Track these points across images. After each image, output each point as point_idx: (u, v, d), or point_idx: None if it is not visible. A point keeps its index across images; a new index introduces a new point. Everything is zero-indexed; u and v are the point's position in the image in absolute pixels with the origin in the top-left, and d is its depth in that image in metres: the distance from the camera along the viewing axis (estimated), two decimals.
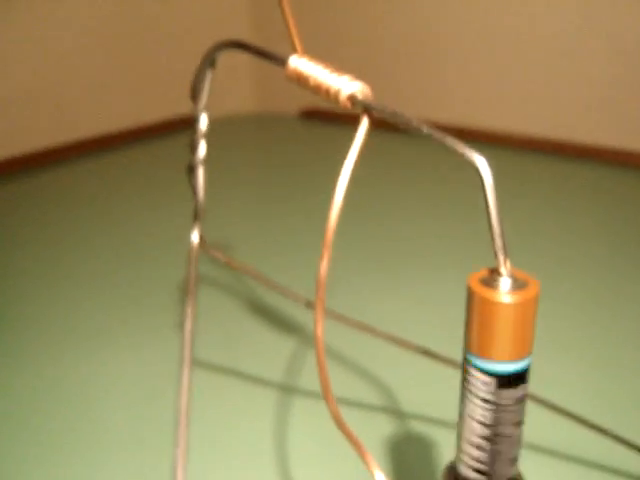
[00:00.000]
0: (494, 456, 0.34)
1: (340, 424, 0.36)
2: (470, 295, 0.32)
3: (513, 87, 1.69)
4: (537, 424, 0.70)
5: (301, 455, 0.67)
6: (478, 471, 0.35)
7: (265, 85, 2.15)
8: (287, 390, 0.78)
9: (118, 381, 0.80)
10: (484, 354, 0.32)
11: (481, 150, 0.29)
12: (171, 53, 1.90)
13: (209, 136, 1.88)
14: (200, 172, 0.44)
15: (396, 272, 1.06)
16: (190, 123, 1.82)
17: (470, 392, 0.33)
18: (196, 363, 0.83)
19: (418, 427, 0.71)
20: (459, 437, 0.35)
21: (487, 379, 0.33)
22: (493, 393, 0.33)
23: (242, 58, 2.14)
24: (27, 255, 1.15)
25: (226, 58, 2.08)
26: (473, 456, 0.34)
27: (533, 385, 0.74)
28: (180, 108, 1.92)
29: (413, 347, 0.50)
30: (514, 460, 0.35)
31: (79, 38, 1.70)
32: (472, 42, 1.72)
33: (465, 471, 0.35)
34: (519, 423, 0.34)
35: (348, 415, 0.72)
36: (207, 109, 0.43)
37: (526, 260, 1.08)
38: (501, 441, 0.34)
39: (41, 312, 0.96)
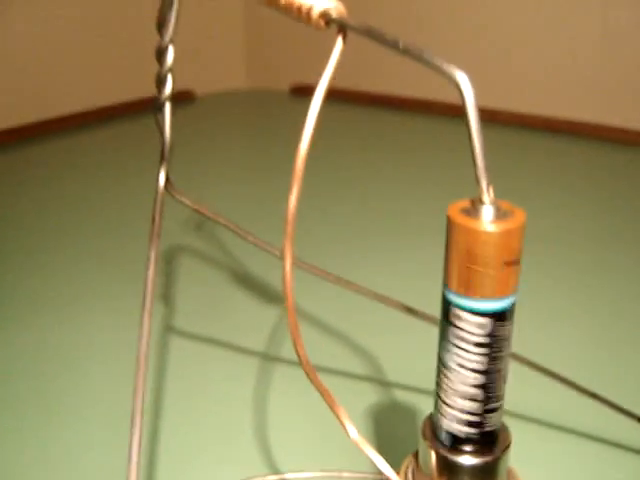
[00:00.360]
0: (486, 404, 0.32)
1: (309, 372, 0.33)
2: (450, 227, 0.29)
3: (502, 64, 1.66)
4: (528, 391, 0.68)
5: (282, 425, 0.65)
6: (470, 424, 0.32)
7: (256, 62, 2.12)
8: (269, 359, 0.75)
9: (96, 348, 0.77)
10: (476, 293, 0.29)
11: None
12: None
13: (199, 112, 1.84)
14: (167, 109, 0.41)
15: (375, 241, 1.04)
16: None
17: (461, 340, 0.30)
18: (174, 331, 0.80)
19: (403, 396, 0.68)
20: (443, 393, 0.32)
21: (482, 320, 0.30)
22: (489, 335, 0.30)
23: (234, 35, 2.10)
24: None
25: (218, 35, 2.05)
26: (465, 409, 0.32)
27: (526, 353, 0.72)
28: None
29: (394, 303, 0.47)
30: (502, 406, 0.33)
31: (50, 19, 1.66)
32: (460, 20, 1.70)
33: (455, 426, 0.32)
34: (507, 359, 0.32)
35: (330, 384, 0.70)
36: (173, 42, 0.40)
37: None
38: (494, 386, 0.31)
39: (16, 282, 0.93)
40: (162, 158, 0.42)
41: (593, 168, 1.38)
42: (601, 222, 1.11)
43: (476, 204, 0.29)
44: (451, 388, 0.32)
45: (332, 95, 1.64)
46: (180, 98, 1.96)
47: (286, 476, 0.59)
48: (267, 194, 1.27)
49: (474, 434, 0.32)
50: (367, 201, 1.22)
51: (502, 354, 0.31)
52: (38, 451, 0.61)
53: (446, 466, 0.33)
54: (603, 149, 1.49)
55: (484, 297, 0.29)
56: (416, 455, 0.36)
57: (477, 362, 0.31)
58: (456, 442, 0.33)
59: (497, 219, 0.28)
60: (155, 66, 0.40)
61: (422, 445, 0.34)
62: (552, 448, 0.61)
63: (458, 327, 0.30)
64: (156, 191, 0.41)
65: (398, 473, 0.36)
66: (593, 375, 0.71)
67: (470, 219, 0.28)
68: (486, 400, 0.31)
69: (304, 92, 2.03)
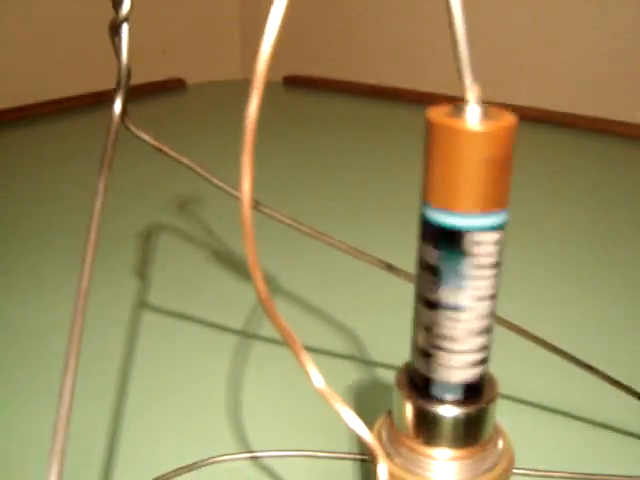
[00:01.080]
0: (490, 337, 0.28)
1: (269, 310, 0.29)
2: (434, 133, 0.25)
3: (495, 56, 1.63)
4: (526, 371, 0.64)
5: (256, 403, 0.61)
6: (477, 363, 0.28)
7: (251, 53, 2.08)
8: (247, 336, 0.71)
9: (66, 321, 0.73)
10: (492, 206, 0.25)
11: None
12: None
13: (192, 101, 1.81)
14: (125, 30, 0.37)
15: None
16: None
17: (478, 267, 0.26)
18: (148, 307, 0.76)
19: (385, 374, 0.64)
20: (442, 341, 0.28)
21: (498, 236, 0.26)
22: (500, 250, 0.26)
23: (229, 25, 2.07)
24: None
25: (212, 25, 2.01)
26: (475, 348, 0.27)
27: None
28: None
29: (375, 261, 0.43)
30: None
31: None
32: None
33: (458, 373, 0.28)
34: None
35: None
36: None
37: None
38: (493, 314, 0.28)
39: None
40: (118, 85, 0.37)
41: (589, 160, 1.34)
42: (599, 213, 1.07)
43: (458, 106, 0.25)
44: (462, 330, 0.27)
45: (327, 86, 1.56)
46: (170, 86, 1.92)
47: (257, 454, 0.54)
48: (258, 183, 1.22)
49: (474, 378, 0.28)
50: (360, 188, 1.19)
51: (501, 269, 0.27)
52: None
53: (425, 419, 0.29)
54: (600, 142, 1.45)
55: (497, 209, 0.25)
56: (390, 413, 0.32)
57: (492, 287, 0.27)
58: (435, 389, 0.29)
59: (485, 119, 0.24)
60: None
61: (397, 398, 0.30)
62: (549, 431, 0.57)
63: (475, 254, 0.26)
64: (111, 120, 0.37)
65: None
66: (592, 357, 0.66)
67: (455, 120, 0.24)
68: (491, 330, 0.28)
69: (297, 83, 2.00)
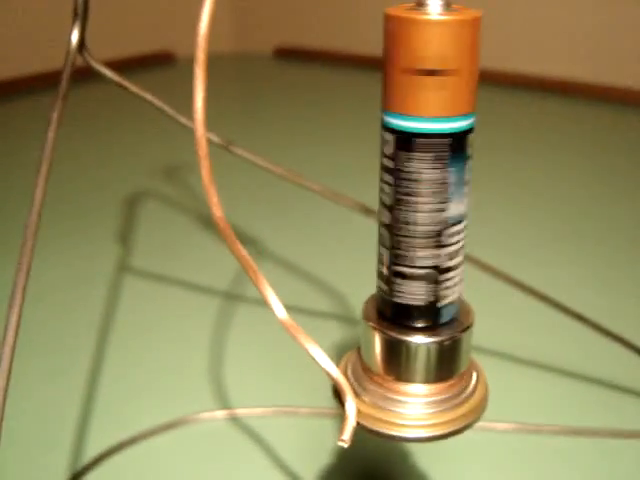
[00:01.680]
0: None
1: (227, 236, 0.27)
2: (393, 28, 0.23)
3: (493, 24, 1.60)
4: (525, 333, 0.62)
5: (237, 363, 0.59)
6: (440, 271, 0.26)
7: (241, 25, 2.05)
8: (229, 298, 0.69)
9: (45, 286, 0.71)
10: (469, 109, 0.24)
11: None
12: None
13: (179, 74, 1.78)
14: None
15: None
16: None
17: (468, 169, 0.25)
18: (130, 271, 0.74)
19: None
20: (407, 250, 0.26)
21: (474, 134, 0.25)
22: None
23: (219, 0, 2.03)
24: None
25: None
26: (434, 254, 0.26)
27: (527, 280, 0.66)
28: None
29: (351, 202, 0.41)
30: (462, 279, 0.27)
31: None
32: None
33: (417, 290, 0.26)
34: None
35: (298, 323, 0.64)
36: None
37: (509, 193, 1.00)
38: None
39: None
40: (75, 15, 0.35)
41: (584, 125, 1.32)
42: (597, 176, 1.05)
43: (419, 2, 0.23)
44: (463, 241, 0.26)
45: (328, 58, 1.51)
46: (159, 59, 1.89)
47: (236, 411, 0.53)
48: (253, 147, 1.20)
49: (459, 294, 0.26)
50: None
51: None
52: None
53: (394, 350, 0.27)
54: (595, 107, 1.43)
55: (474, 107, 0.24)
56: (357, 350, 0.30)
57: (469, 185, 0.25)
58: (408, 317, 0.27)
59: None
60: None
61: (366, 331, 0.28)
62: (539, 387, 0.55)
63: (470, 156, 0.24)
64: (67, 51, 0.35)
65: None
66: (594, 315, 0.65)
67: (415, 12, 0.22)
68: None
69: (286, 54, 1.97)
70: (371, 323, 0.28)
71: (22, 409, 0.52)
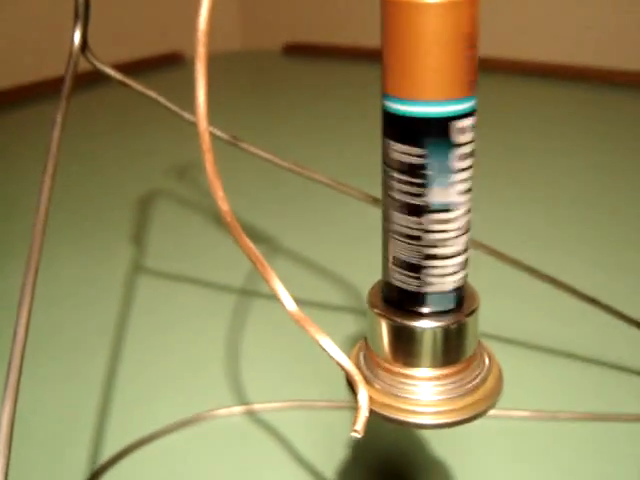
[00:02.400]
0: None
1: (234, 231, 0.27)
2: (395, 13, 0.23)
3: (499, 12, 1.59)
4: (525, 314, 0.62)
5: (253, 360, 0.59)
6: (465, 265, 0.26)
7: (250, 23, 2.05)
8: (244, 295, 0.69)
9: (60, 288, 0.72)
10: (467, 89, 0.24)
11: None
12: None
13: (189, 74, 1.78)
14: None
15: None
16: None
17: (467, 157, 0.25)
18: (144, 270, 0.75)
19: None
20: (418, 241, 0.26)
21: (473, 120, 0.24)
22: (475, 138, 0.25)
23: None
24: None
25: None
26: (462, 248, 0.26)
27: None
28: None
29: (359, 194, 0.41)
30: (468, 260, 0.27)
31: None
32: None
33: (446, 279, 0.26)
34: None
35: (312, 317, 0.64)
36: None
37: (516, 176, 0.99)
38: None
39: None
40: (76, 15, 0.36)
41: (588, 108, 1.31)
42: (608, 156, 1.04)
43: None
44: (453, 230, 0.25)
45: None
46: (168, 60, 1.90)
47: (254, 407, 0.53)
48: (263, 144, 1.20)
49: (460, 283, 0.26)
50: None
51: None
52: None
53: (402, 336, 0.27)
54: (597, 90, 1.42)
55: (473, 91, 0.24)
56: (366, 339, 0.30)
57: (471, 178, 0.25)
58: (413, 302, 0.27)
59: None
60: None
61: (372, 319, 0.28)
62: (554, 373, 0.55)
63: (460, 143, 0.24)
64: (70, 52, 0.35)
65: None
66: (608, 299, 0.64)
67: None
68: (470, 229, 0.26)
69: (295, 51, 1.97)
70: (376, 310, 0.28)
71: (40, 409, 0.53)
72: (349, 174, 1.02)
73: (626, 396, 0.51)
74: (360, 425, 0.26)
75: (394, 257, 0.26)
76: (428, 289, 0.26)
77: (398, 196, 0.25)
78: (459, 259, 0.26)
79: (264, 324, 0.64)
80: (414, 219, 0.25)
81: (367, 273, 0.71)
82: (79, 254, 0.79)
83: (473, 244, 0.44)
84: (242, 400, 0.54)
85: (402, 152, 0.24)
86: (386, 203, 0.26)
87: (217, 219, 0.88)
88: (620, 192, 0.90)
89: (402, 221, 0.25)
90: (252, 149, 0.43)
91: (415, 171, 0.24)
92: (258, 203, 0.92)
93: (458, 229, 0.25)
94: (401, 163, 0.24)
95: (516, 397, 0.52)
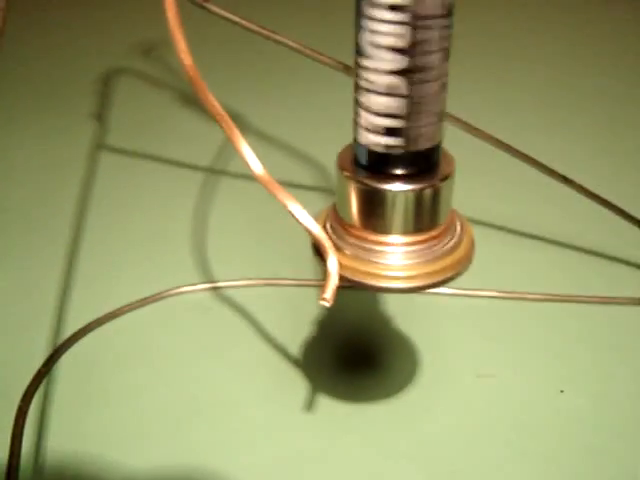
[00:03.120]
0: (414, 107, 0.24)
1: (196, 85, 0.24)
2: None
3: None
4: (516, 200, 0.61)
5: (220, 238, 0.58)
6: (392, 132, 0.24)
7: None
8: (213, 172, 0.67)
9: (21, 169, 0.69)
10: None
11: None
12: None
13: None
14: None
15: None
16: None
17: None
18: (109, 148, 0.72)
19: None
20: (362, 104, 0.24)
21: None
22: None
23: None
24: None
25: None
26: (386, 110, 0.23)
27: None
28: None
29: (329, 61, 0.39)
30: (439, 115, 0.25)
31: None
32: None
33: (373, 139, 0.24)
34: (445, 50, 0.23)
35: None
36: None
37: (506, 60, 0.96)
38: (425, 77, 0.23)
39: None
40: None
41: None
42: (596, 39, 1.01)
43: None
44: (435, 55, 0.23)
45: None
46: None
47: (219, 284, 0.52)
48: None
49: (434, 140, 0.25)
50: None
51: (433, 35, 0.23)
52: None
53: (373, 200, 0.25)
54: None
55: None
56: (334, 205, 0.29)
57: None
58: (386, 163, 0.25)
59: None
60: None
61: (341, 182, 0.27)
62: (525, 256, 0.55)
63: None
64: None
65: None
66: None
67: None
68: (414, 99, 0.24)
69: None
70: (345, 173, 0.26)
71: None
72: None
73: (601, 282, 0.51)
74: (329, 293, 0.24)
75: (364, 113, 0.24)
76: (398, 149, 0.24)
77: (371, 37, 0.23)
78: (433, 118, 0.24)
79: (231, 201, 0.62)
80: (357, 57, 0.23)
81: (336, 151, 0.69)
82: (37, 131, 0.76)
83: (450, 119, 0.42)
84: (207, 278, 0.52)
85: None
86: (359, 48, 0.24)
87: (187, 99, 0.84)
88: (619, 66, 0.88)
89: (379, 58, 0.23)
90: (222, 13, 0.40)
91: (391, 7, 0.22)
92: (222, 69, 0.88)
93: (369, 82, 0.23)
94: None
95: (486, 279, 0.51)
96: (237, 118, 0.76)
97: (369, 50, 0.23)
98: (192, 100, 0.83)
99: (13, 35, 1.01)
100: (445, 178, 0.26)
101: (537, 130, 0.74)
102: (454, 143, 0.34)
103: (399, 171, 0.25)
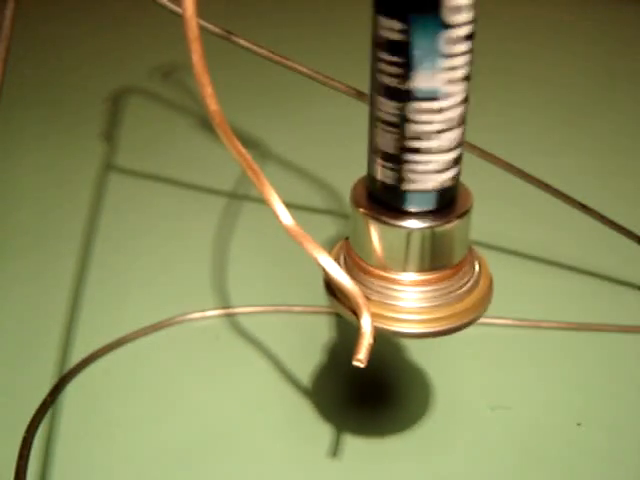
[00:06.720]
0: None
1: (223, 131, 0.24)
2: None
3: None
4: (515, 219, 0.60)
5: (233, 264, 0.57)
6: (455, 162, 0.23)
7: None
8: (224, 196, 0.67)
9: (27, 187, 0.69)
10: None
11: None
12: None
13: None
14: None
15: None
16: None
17: (454, 40, 0.21)
18: (121, 170, 0.72)
19: None
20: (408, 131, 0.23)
21: None
22: (475, 19, 0.22)
23: None
24: None
25: None
26: (452, 144, 0.23)
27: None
28: None
29: (343, 87, 0.38)
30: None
31: None
32: None
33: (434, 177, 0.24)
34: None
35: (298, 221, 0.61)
36: None
37: (509, 79, 0.96)
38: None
39: None
40: None
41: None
42: (600, 60, 1.01)
43: None
44: (440, 122, 0.22)
45: None
46: None
47: (229, 310, 0.51)
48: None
49: (449, 183, 0.24)
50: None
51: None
52: None
53: (385, 237, 0.25)
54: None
55: None
56: (347, 240, 0.28)
57: (469, 64, 0.22)
58: (397, 199, 0.24)
59: None
60: None
61: (354, 217, 0.26)
62: (539, 282, 0.54)
63: (453, 24, 0.21)
64: None
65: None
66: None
67: None
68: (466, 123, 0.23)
69: None
70: (361, 209, 0.25)
71: (3, 313, 0.51)
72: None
73: (612, 306, 0.50)
74: (363, 354, 0.23)
75: (377, 148, 0.24)
76: (411, 186, 0.24)
77: (381, 78, 0.22)
78: (446, 156, 0.23)
79: (242, 227, 0.62)
80: (395, 104, 0.22)
81: (350, 176, 0.68)
82: (47, 151, 0.76)
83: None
84: (218, 304, 0.52)
85: (386, 27, 0.21)
86: (372, 87, 0.23)
87: (203, 122, 0.84)
88: (622, 90, 0.87)
89: (384, 107, 0.23)
90: (246, 44, 0.39)
91: (398, 49, 0.21)
92: (242, 103, 0.88)
93: (445, 122, 0.22)
94: (384, 39, 0.21)
95: (498, 305, 0.50)
96: (258, 144, 0.75)
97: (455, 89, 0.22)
98: (208, 125, 0.82)
99: (29, 50, 1.01)
100: (462, 215, 0.25)
101: (545, 152, 0.74)
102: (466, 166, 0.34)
103: (412, 208, 0.24)
